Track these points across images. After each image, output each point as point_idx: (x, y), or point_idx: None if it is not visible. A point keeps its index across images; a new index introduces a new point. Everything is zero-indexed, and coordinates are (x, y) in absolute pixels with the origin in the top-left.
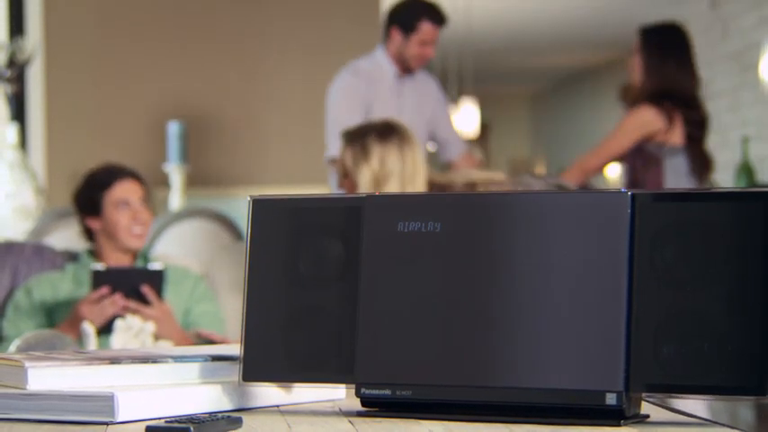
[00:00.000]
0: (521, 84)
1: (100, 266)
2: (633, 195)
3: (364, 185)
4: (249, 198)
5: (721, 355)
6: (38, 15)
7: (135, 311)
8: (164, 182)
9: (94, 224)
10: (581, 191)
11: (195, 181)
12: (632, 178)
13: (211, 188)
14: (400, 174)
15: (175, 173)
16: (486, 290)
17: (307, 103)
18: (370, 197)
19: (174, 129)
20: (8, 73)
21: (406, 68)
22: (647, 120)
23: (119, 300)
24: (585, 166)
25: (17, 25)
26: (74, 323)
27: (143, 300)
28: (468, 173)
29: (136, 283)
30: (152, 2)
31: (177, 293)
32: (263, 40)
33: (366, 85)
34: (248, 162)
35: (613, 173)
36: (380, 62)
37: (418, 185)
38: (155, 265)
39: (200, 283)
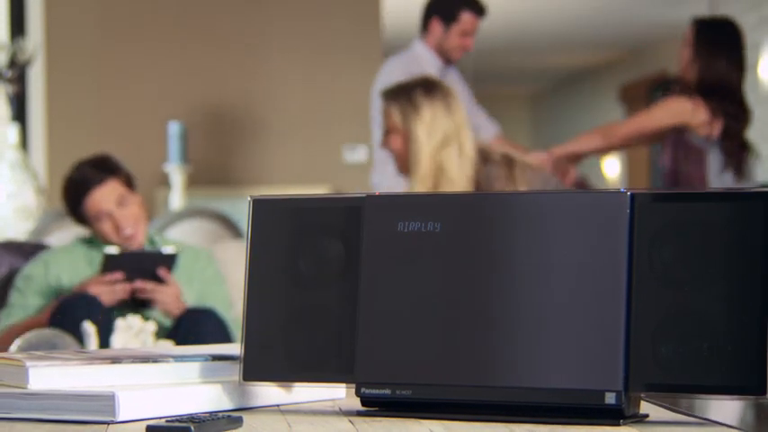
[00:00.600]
0: (521, 84)
1: (113, 250)
2: (632, 195)
3: (418, 138)
4: (249, 198)
5: (721, 354)
6: (39, 16)
7: (149, 291)
8: (164, 182)
9: (90, 231)
10: (581, 191)
11: (195, 181)
12: (674, 169)
13: (211, 188)
14: (450, 126)
15: (175, 173)
16: (486, 290)
17: (307, 103)
18: (370, 197)
19: (174, 129)
20: (9, 73)
21: (446, 60)
22: (678, 110)
23: (129, 287)
24: (609, 131)
25: (18, 26)
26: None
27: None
28: (508, 149)
29: (149, 267)
30: (152, 2)
31: (189, 274)
32: (264, 40)
33: (417, 71)
34: (248, 162)
35: (612, 172)
36: (423, 55)
37: (465, 139)
38: (167, 249)
39: (211, 264)
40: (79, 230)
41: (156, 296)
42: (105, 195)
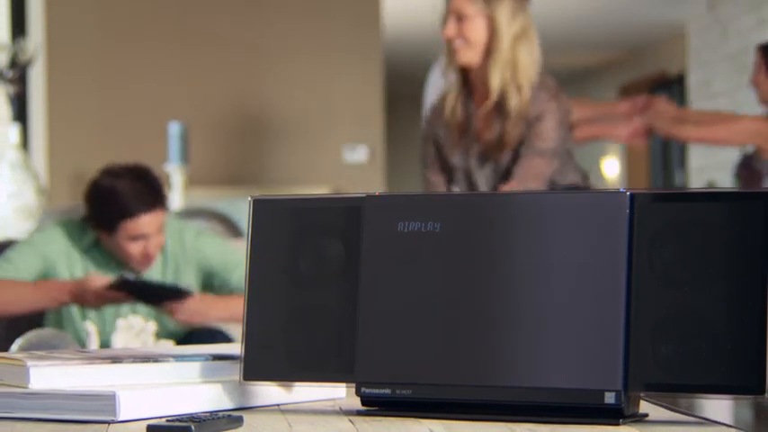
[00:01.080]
0: None
1: (131, 276)
2: (632, 195)
3: (501, 23)
4: (249, 198)
5: (720, 354)
6: (39, 16)
7: (170, 313)
8: (164, 182)
9: (103, 237)
10: (580, 191)
11: (195, 181)
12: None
13: (211, 188)
14: (526, 20)
15: (176, 173)
16: (486, 290)
17: (307, 103)
18: (370, 197)
19: (174, 129)
20: (10, 74)
21: None
22: (755, 131)
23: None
24: (679, 131)
25: (19, 26)
26: (64, 298)
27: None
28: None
29: (161, 298)
30: (152, 2)
31: (175, 264)
32: (264, 40)
33: None
34: (248, 162)
35: (612, 172)
36: None
37: (534, 38)
38: (184, 286)
39: (199, 238)
40: None
41: (173, 314)
42: (152, 222)
